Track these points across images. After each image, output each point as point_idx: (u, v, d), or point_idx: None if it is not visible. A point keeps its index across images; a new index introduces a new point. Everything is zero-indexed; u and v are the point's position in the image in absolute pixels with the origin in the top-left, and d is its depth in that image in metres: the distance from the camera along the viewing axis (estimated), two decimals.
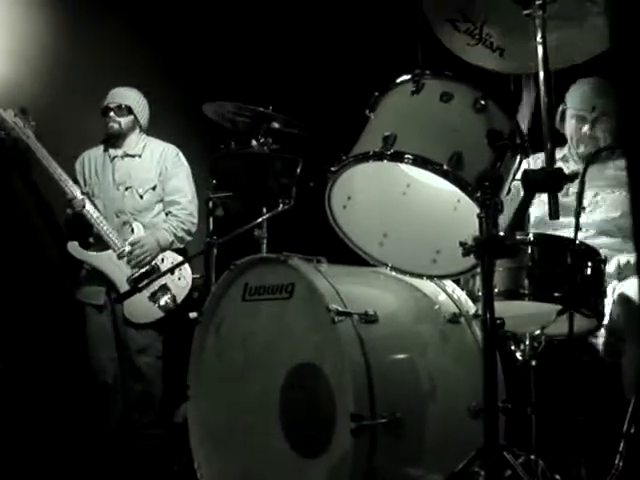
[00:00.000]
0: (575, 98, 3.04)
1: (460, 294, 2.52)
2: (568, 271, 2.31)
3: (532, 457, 2.21)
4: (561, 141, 3.09)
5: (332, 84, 4.35)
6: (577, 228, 2.23)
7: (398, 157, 2.03)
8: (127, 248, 3.78)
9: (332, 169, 2.14)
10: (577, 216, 2.23)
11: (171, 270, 3.70)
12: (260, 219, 3.26)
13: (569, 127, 3.06)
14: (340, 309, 2.19)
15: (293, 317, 2.39)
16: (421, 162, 2.01)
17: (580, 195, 2.29)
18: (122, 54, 4.27)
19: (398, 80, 2.19)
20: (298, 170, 3.10)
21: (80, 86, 4.08)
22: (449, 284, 2.54)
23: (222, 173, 3.52)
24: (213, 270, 3.53)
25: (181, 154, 4.06)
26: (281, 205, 3.09)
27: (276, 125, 3.43)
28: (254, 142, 3.38)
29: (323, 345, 2.25)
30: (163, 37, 4.51)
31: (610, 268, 2.66)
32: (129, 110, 3.95)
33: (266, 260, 2.59)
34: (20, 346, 3.68)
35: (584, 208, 2.96)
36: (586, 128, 3.02)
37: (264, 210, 3.36)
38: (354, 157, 2.11)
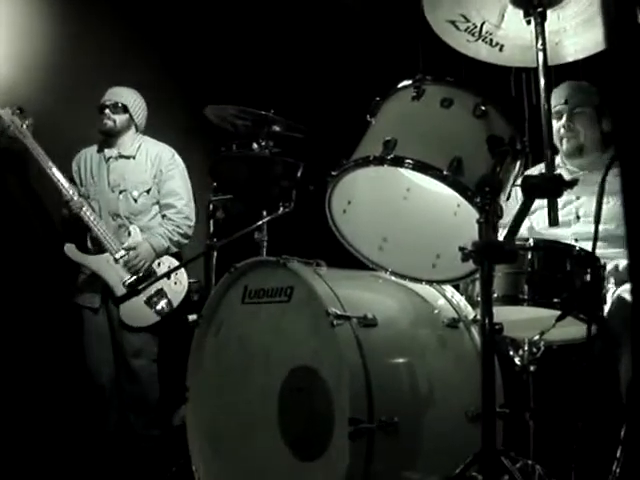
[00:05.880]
0: (551, 99, 3.07)
1: (459, 299, 2.53)
2: (567, 277, 2.32)
3: (530, 462, 2.21)
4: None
5: (333, 88, 4.36)
6: (596, 235, 2.21)
7: (398, 162, 2.04)
8: (122, 253, 3.77)
9: (332, 173, 2.14)
10: (597, 221, 2.21)
11: (167, 274, 3.70)
12: (260, 222, 3.27)
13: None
14: (339, 313, 2.19)
15: (292, 320, 2.39)
16: (421, 167, 2.01)
17: (600, 200, 2.26)
18: (124, 56, 4.28)
19: (399, 85, 2.20)
20: (299, 174, 3.11)
21: (80, 87, 4.08)
22: (448, 289, 2.55)
23: (223, 176, 3.53)
24: (213, 272, 3.53)
25: (177, 155, 4.04)
26: (281, 208, 3.09)
27: (277, 128, 3.43)
28: (255, 145, 3.38)
29: (322, 348, 2.25)
30: (165, 39, 4.52)
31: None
32: (125, 109, 3.94)
33: (266, 263, 2.59)
34: (17, 349, 3.68)
35: (579, 218, 2.96)
36: (563, 120, 3.06)
37: (264, 213, 3.36)
38: (354, 161, 2.12)
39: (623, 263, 2.74)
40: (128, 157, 3.95)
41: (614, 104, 0.73)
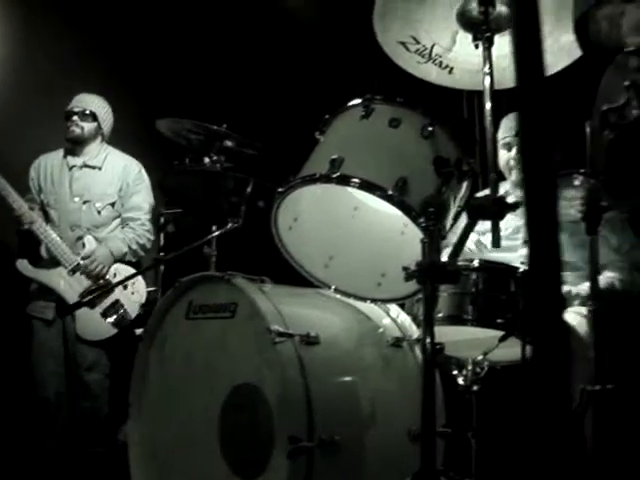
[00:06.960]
0: (501, 129, 3.11)
1: (404, 318, 2.53)
2: (511, 298, 2.33)
3: None
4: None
5: (286, 105, 4.37)
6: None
7: (344, 180, 2.04)
8: (80, 262, 3.70)
9: (279, 190, 2.14)
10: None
11: (121, 283, 3.63)
12: (209, 237, 3.24)
13: (500, 159, 3.10)
14: (281, 330, 2.18)
15: (235, 337, 2.38)
16: (366, 186, 2.01)
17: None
18: (76, 67, 4.23)
19: (348, 104, 2.20)
20: (248, 189, 3.09)
21: (31, 99, 4.03)
22: (393, 308, 2.55)
23: (173, 189, 3.50)
24: (159, 286, 3.49)
25: (143, 170, 3.99)
26: (230, 224, 3.07)
27: (229, 144, 3.41)
28: (207, 159, 3.36)
29: (263, 366, 2.24)
30: (119, 52, 4.49)
31: None
32: (93, 117, 3.88)
33: (211, 278, 2.58)
34: None
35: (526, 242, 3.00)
36: (513, 152, 3.09)
37: (214, 228, 3.34)
38: (301, 179, 2.11)
39: (574, 290, 2.77)
40: (94, 167, 3.88)
41: (522, 139, 0.75)
